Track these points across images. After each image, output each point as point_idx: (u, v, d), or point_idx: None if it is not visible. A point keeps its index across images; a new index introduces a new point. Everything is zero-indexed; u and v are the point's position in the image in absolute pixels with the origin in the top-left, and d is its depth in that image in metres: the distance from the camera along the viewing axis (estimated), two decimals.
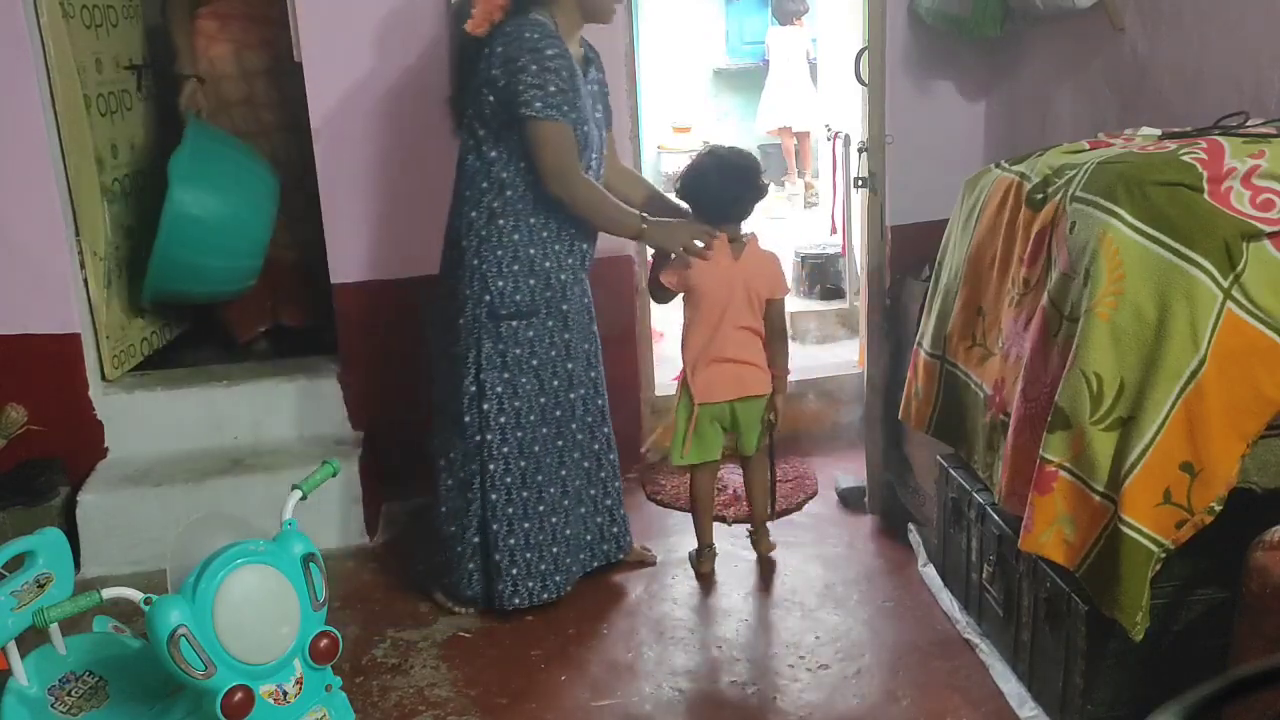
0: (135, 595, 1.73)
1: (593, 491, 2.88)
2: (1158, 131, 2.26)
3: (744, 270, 2.79)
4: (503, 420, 2.67)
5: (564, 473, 2.76)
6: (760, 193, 2.83)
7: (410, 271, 3.39)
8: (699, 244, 2.69)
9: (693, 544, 3.18)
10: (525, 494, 2.71)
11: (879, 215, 3.14)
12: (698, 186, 2.79)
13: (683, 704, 2.45)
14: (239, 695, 1.71)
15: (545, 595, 2.77)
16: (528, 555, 2.73)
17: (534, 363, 2.67)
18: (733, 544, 3.16)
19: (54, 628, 1.94)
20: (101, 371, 3.35)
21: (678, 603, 2.88)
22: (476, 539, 2.74)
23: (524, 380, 2.67)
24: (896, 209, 3.31)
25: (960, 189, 2.58)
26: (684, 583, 2.97)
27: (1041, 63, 3.23)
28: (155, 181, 3.73)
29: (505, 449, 2.68)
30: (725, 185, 2.77)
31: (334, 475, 2.04)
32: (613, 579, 2.97)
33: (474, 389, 2.66)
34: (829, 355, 4.50)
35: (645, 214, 2.70)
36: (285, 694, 1.80)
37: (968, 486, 2.58)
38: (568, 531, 2.78)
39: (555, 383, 2.70)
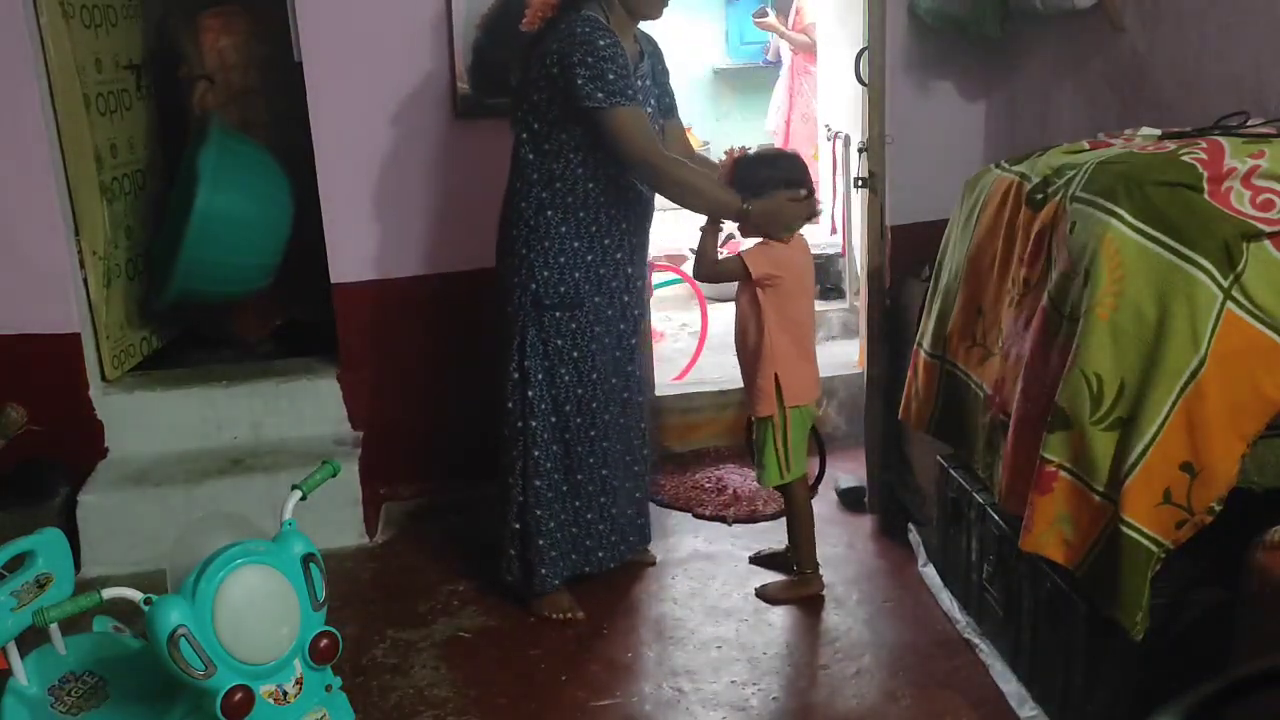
0: (135, 595, 1.73)
1: (628, 484, 2.91)
2: (1158, 131, 2.26)
3: (810, 257, 2.76)
4: (543, 408, 2.71)
5: (592, 460, 2.78)
6: None
7: (410, 271, 3.39)
8: (800, 220, 2.67)
9: (692, 544, 3.18)
10: (557, 476, 2.76)
11: (879, 215, 3.14)
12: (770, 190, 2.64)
13: (683, 704, 2.45)
14: (239, 695, 1.71)
15: (567, 572, 2.81)
16: (558, 535, 2.78)
17: (574, 354, 2.70)
18: (732, 544, 3.16)
19: (54, 628, 1.94)
20: (101, 371, 3.35)
21: (678, 603, 2.88)
22: (517, 525, 2.77)
23: (562, 370, 2.70)
24: (896, 209, 3.30)
25: (960, 189, 2.58)
26: (684, 583, 2.97)
27: (1041, 63, 3.23)
28: (159, 179, 3.74)
29: (545, 434, 2.72)
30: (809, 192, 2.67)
31: (334, 475, 2.03)
32: (612, 579, 2.97)
33: (516, 376, 2.70)
34: (829, 355, 4.49)
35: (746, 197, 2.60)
36: (285, 694, 1.80)
37: (968, 486, 2.58)
38: (589, 515, 2.81)
39: (594, 375, 2.73)
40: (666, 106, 2.84)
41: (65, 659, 1.98)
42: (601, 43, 2.48)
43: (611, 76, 2.47)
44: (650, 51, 2.77)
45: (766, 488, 2.84)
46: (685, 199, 2.62)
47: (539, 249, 2.64)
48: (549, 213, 2.63)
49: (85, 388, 3.28)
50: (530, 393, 2.69)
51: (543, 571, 2.77)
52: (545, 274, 2.64)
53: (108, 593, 1.73)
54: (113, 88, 3.48)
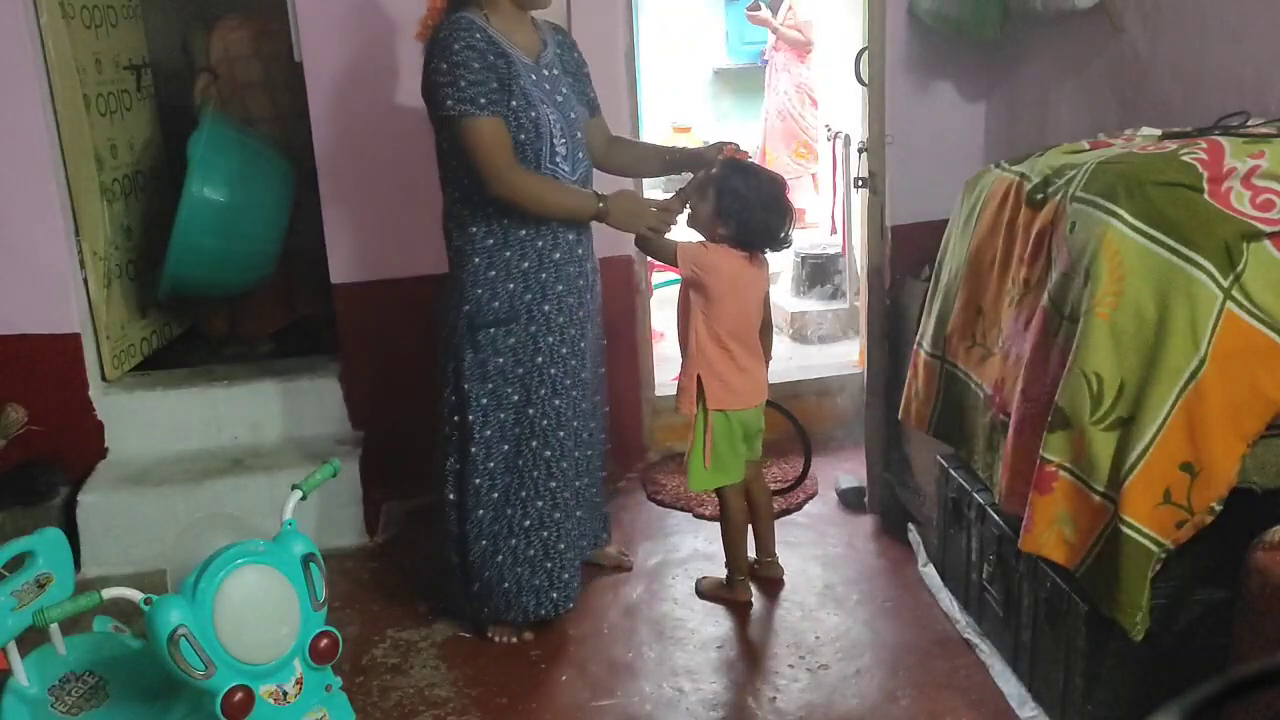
0: (135, 595, 1.73)
1: (592, 491, 2.85)
2: (1158, 131, 2.26)
3: (760, 267, 2.71)
4: (487, 434, 2.57)
5: (553, 484, 2.63)
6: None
7: (410, 271, 3.39)
8: (660, 225, 2.57)
9: (693, 544, 3.18)
10: (510, 510, 2.61)
11: (879, 215, 3.14)
12: (744, 217, 2.61)
13: (683, 704, 2.45)
14: (239, 695, 1.71)
15: (542, 612, 2.68)
16: (518, 570, 2.64)
17: (519, 371, 2.57)
18: None
19: (54, 628, 1.94)
20: (101, 371, 3.35)
21: (678, 603, 2.88)
22: (456, 558, 2.67)
23: (509, 390, 2.57)
24: (896, 209, 3.30)
25: (960, 189, 2.58)
26: (684, 583, 2.97)
27: (1041, 63, 3.23)
28: (159, 179, 3.75)
29: (490, 464, 2.58)
30: (775, 221, 2.64)
31: (334, 475, 2.04)
32: (612, 579, 2.98)
33: (454, 399, 2.58)
34: (829, 355, 4.50)
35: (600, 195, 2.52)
36: (285, 694, 1.80)
37: (968, 486, 2.58)
38: (561, 545, 2.66)
39: (542, 391, 2.58)
40: (589, 101, 2.72)
41: (65, 659, 1.98)
42: (456, 46, 2.35)
43: (464, 83, 2.35)
44: (558, 42, 2.65)
45: (692, 490, 2.77)
46: (542, 210, 2.49)
47: (469, 267, 2.52)
48: (472, 228, 2.52)
49: (85, 388, 3.28)
50: (470, 417, 2.55)
51: (491, 604, 2.66)
52: (478, 292, 2.51)
53: (108, 593, 1.73)
54: (113, 88, 3.48)
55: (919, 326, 2.69)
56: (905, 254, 3.31)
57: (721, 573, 2.92)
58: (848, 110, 4.22)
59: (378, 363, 3.44)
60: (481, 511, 2.61)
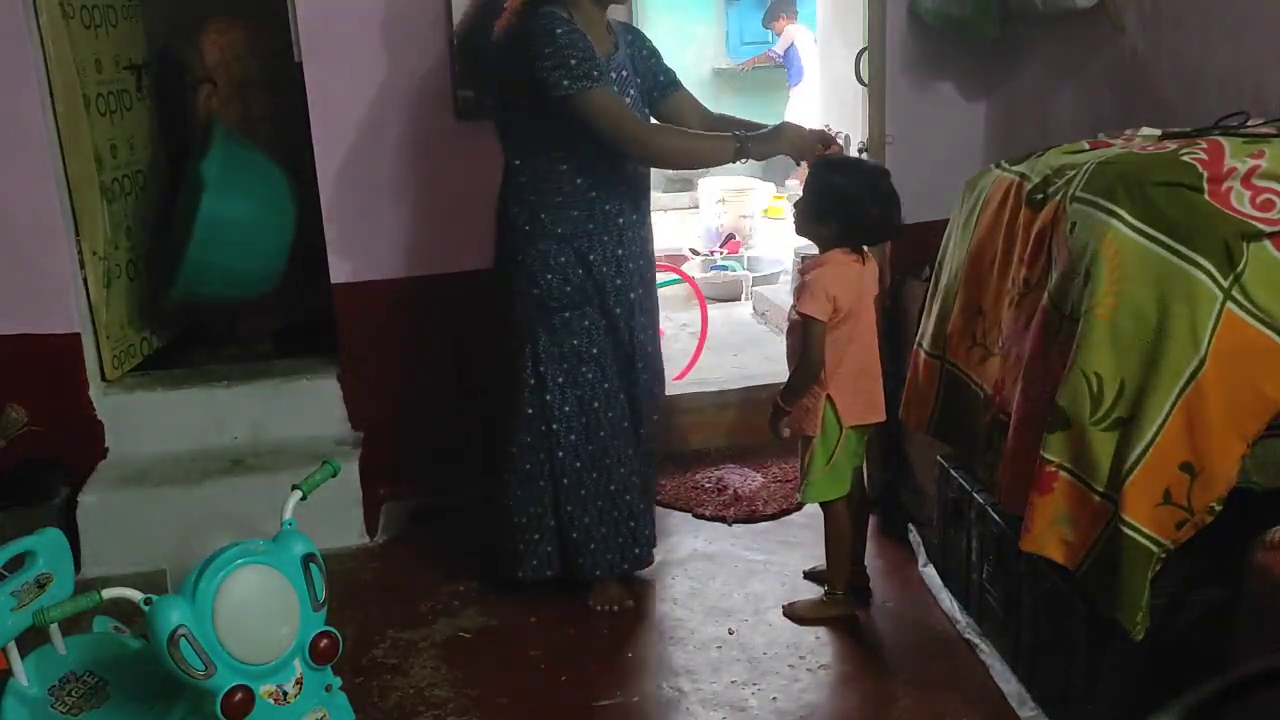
0: (135, 595, 1.73)
1: (650, 479, 2.96)
2: (1158, 131, 2.26)
3: (871, 272, 2.65)
4: (566, 409, 2.70)
5: (630, 452, 2.79)
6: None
7: (411, 271, 3.39)
8: (819, 147, 2.57)
9: (693, 544, 3.18)
10: (595, 475, 2.75)
11: None
12: (848, 212, 2.54)
13: (683, 704, 2.45)
14: (239, 695, 1.71)
15: (625, 565, 2.84)
16: (603, 530, 2.77)
17: (593, 350, 2.69)
18: (732, 544, 3.16)
19: (54, 628, 1.94)
20: (101, 371, 3.35)
21: (678, 603, 2.88)
22: (552, 523, 2.78)
23: (584, 369, 2.70)
24: None
25: (960, 189, 2.58)
26: (684, 583, 2.97)
27: (1041, 63, 3.24)
28: (159, 179, 3.75)
29: (572, 436, 2.72)
30: (881, 211, 2.55)
31: (334, 475, 2.04)
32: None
33: (533, 381, 2.70)
34: None
35: (737, 132, 2.58)
36: (285, 694, 1.80)
37: (968, 486, 2.58)
38: (641, 506, 2.83)
39: (616, 367, 2.73)
40: (663, 84, 2.81)
41: (65, 659, 1.98)
42: (558, 30, 2.45)
43: (574, 62, 2.44)
44: (629, 41, 2.73)
45: (804, 503, 2.74)
46: (680, 161, 2.63)
47: (536, 253, 2.63)
48: (542, 215, 2.61)
49: (85, 388, 3.28)
50: (548, 397, 2.69)
51: (579, 561, 2.79)
52: (548, 277, 2.63)
53: (108, 593, 1.73)
54: (113, 88, 3.48)
55: (919, 326, 2.69)
56: (905, 254, 3.31)
57: (722, 571, 2.92)
58: (848, 110, 4.22)
59: (377, 363, 3.44)
60: (566, 480, 2.74)
